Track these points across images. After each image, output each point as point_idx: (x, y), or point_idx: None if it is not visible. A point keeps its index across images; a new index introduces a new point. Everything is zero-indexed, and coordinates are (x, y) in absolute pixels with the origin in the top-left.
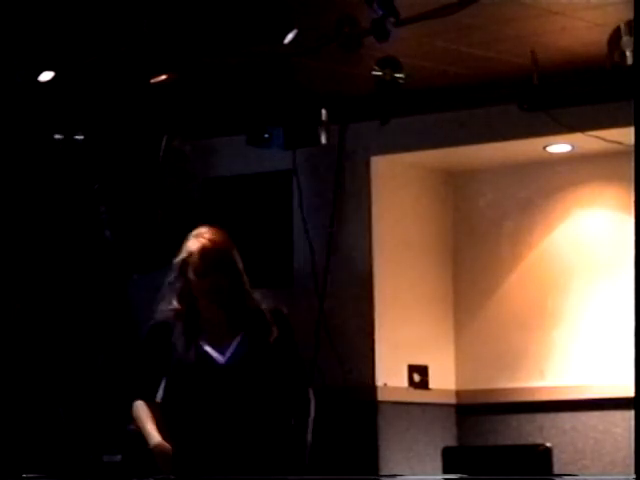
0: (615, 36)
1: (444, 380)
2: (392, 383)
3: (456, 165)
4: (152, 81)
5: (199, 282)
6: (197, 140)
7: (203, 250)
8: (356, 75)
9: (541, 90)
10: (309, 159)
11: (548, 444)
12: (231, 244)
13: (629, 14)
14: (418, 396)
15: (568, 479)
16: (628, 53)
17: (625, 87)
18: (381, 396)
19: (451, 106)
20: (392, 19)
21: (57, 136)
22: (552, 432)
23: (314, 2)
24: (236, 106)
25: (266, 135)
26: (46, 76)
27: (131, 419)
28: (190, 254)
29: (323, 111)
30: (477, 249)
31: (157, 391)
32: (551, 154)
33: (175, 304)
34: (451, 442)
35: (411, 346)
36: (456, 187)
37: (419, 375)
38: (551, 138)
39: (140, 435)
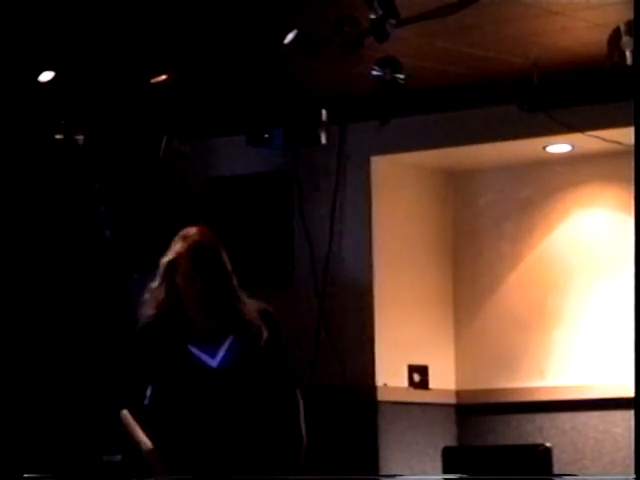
0: (615, 36)
1: (444, 380)
2: (392, 383)
3: (456, 165)
4: (152, 81)
5: (188, 285)
6: (197, 140)
7: (192, 252)
8: (356, 75)
9: (541, 90)
10: (309, 159)
11: (548, 444)
12: (219, 245)
13: (629, 14)
14: (418, 396)
15: (568, 479)
16: (628, 53)
17: (625, 87)
18: (381, 396)
19: (451, 106)
20: (392, 19)
21: (57, 136)
22: (552, 432)
23: (314, 2)
24: (236, 106)
25: (266, 135)
26: (46, 76)
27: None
28: (178, 256)
29: (323, 111)
30: (477, 249)
31: (143, 399)
32: (551, 154)
33: (161, 307)
34: (451, 442)
35: (411, 346)
36: (456, 187)
37: (419, 375)
38: (551, 138)
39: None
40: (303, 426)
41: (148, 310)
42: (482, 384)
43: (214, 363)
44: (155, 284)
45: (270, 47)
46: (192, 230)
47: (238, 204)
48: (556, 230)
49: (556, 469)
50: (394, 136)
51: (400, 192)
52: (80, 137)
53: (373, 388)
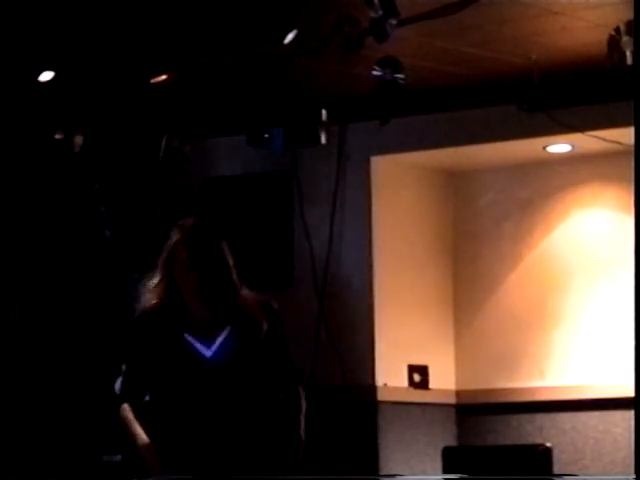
0: (615, 36)
1: (444, 380)
2: (392, 383)
3: (456, 165)
4: (152, 81)
5: (185, 275)
6: (197, 140)
7: (188, 242)
8: (356, 75)
9: (541, 90)
10: (309, 159)
11: (548, 444)
12: (219, 236)
13: (629, 14)
14: (418, 396)
15: (568, 479)
16: (628, 53)
17: (625, 87)
18: (381, 396)
19: (451, 106)
20: (392, 20)
21: (57, 136)
22: (552, 432)
23: (314, 2)
24: (236, 106)
25: (266, 135)
26: (46, 76)
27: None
28: (175, 246)
29: (323, 111)
30: (477, 249)
31: (143, 392)
32: (551, 154)
33: (158, 297)
34: (451, 442)
35: (411, 346)
36: (456, 187)
37: (419, 375)
38: (551, 138)
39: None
40: (302, 424)
41: (145, 301)
42: (482, 384)
43: (209, 353)
44: (153, 275)
45: (270, 47)
46: (189, 220)
47: (238, 204)
48: (556, 230)
49: (556, 469)
50: (394, 136)
51: (400, 192)
52: (79, 138)
53: (373, 388)
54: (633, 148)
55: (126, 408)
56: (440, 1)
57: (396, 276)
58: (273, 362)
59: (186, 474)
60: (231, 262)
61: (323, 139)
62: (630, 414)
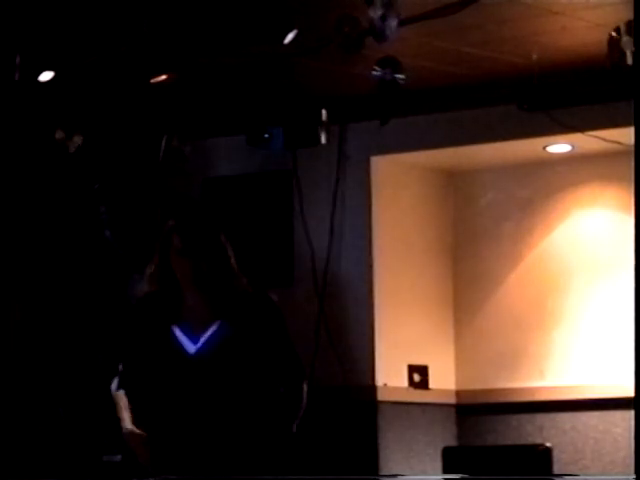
0: (615, 36)
1: (444, 380)
2: (392, 383)
3: (456, 165)
4: (152, 81)
5: (180, 261)
6: (197, 140)
7: (183, 227)
8: (356, 75)
9: (541, 90)
10: (309, 159)
11: (548, 444)
12: (216, 225)
13: (629, 14)
14: (418, 396)
15: (568, 479)
16: (628, 53)
17: (625, 87)
18: (381, 396)
19: (451, 106)
20: (393, 20)
21: (57, 135)
22: (552, 432)
23: (314, 2)
24: (236, 106)
25: (266, 135)
26: (46, 76)
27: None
28: (170, 230)
29: (323, 111)
30: (477, 249)
31: (140, 379)
32: (551, 154)
33: (152, 285)
34: (451, 442)
35: (411, 346)
36: (456, 187)
37: (419, 375)
38: (551, 138)
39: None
40: (298, 419)
41: (139, 288)
42: (482, 384)
43: (192, 349)
44: (150, 262)
45: (270, 47)
46: (186, 207)
47: (238, 204)
48: (556, 230)
49: (556, 469)
50: (394, 136)
51: (400, 192)
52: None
53: (373, 388)
54: (633, 148)
55: (120, 394)
56: (440, 1)
57: (396, 276)
58: (273, 356)
59: (175, 469)
60: (230, 251)
61: (323, 139)
62: (630, 414)
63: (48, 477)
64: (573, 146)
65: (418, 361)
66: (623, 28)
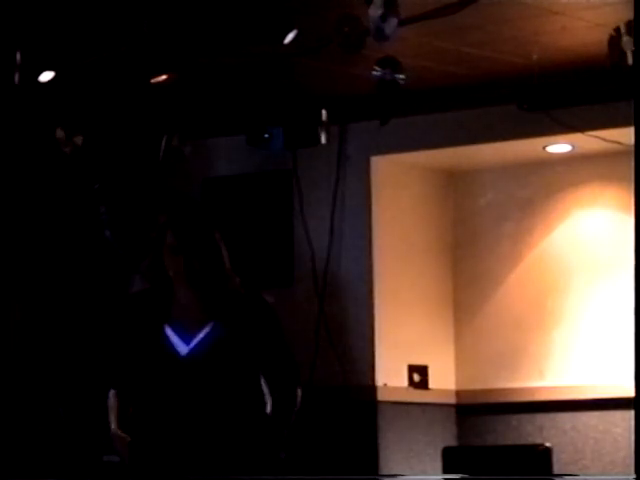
0: (615, 36)
1: (444, 380)
2: (392, 383)
3: (456, 165)
4: (152, 81)
5: (172, 259)
6: (197, 140)
7: (177, 223)
8: (356, 75)
9: (541, 90)
10: (309, 159)
11: (548, 444)
12: (211, 224)
13: (629, 14)
14: (418, 396)
15: (568, 479)
16: (628, 53)
17: (625, 87)
18: (381, 396)
19: (451, 106)
20: (393, 20)
21: (58, 135)
22: (552, 432)
23: (314, 2)
24: (236, 106)
25: (266, 135)
26: (46, 76)
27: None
28: (164, 227)
29: (323, 111)
30: (477, 249)
31: (133, 379)
32: (551, 154)
33: (145, 284)
34: (451, 442)
35: (411, 346)
36: (456, 187)
37: (419, 375)
38: (551, 138)
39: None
40: (289, 424)
41: (134, 284)
42: (482, 384)
43: (185, 350)
44: (145, 259)
45: (270, 47)
46: (180, 203)
47: (238, 204)
48: (556, 230)
49: (556, 469)
50: (394, 136)
51: (400, 192)
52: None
53: (373, 388)
54: (633, 148)
55: (110, 395)
56: (440, 1)
57: (396, 276)
58: (266, 360)
59: (167, 471)
60: (224, 251)
61: (323, 139)
62: (630, 414)
63: (48, 477)
64: (573, 146)
65: (418, 361)
66: (623, 28)
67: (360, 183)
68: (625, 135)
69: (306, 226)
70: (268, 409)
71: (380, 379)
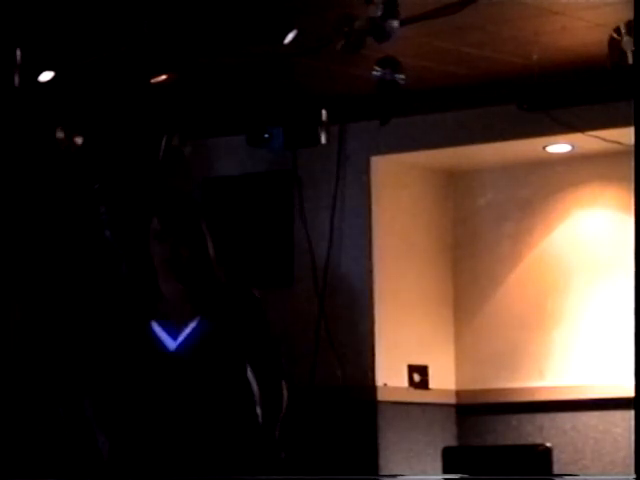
0: (615, 36)
1: (444, 380)
2: (392, 383)
3: (456, 165)
4: (152, 81)
5: (157, 247)
6: (197, 140)
7: (161, 210)
8: (356, 75)
9: (541, 90)
10: (309, 159)
11: (548, 444)
12: (198, 213)
13: (629, 14)
14: (418, 396)
15: (568, 479)
16: (628, 53)
17: (625, 87)
18: (381, 396)
19: (451, 106)
20: (393, 20)
21: (58, 135)
22: (552, 432)
23: (314, 2)
24: (236, 106)
25: (266, 135)
26: (46, 76)
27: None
28: (150, 215)
29: (323, 111)
30: (477, 249)
31: (122, 376)
32: (551, 154)
33: (131, 277)
34: (451, 442)
35: (411, 346)
36: (456, 187)
37: (419, 375)
38: (551, 138)
39: None
40: (279, 423)
41: (121, 276)
42: (482, 384)
43: (173, 345)
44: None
45: (270, 47)
46: (167, 190)
47: (238, 204)
48: (556, 230)
49: (556, 469)
50: (394, 136)
51: (400, 192)
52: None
53: (373, 388)
54: (633, 148)
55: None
56: (440, 1)
57: (396, 276)
58: (252, 354)
59: (155, 470)
60: (210, 242)
61: (323, 139)
62: (630, 414)
63: (48, 477)
64: (573, 146)
65: (418, 361)
66: (623, 28)
67: (360, 183)
68: (625, 135)
69: (306, 226)
70: (257, 403)
71: (380, 379)
